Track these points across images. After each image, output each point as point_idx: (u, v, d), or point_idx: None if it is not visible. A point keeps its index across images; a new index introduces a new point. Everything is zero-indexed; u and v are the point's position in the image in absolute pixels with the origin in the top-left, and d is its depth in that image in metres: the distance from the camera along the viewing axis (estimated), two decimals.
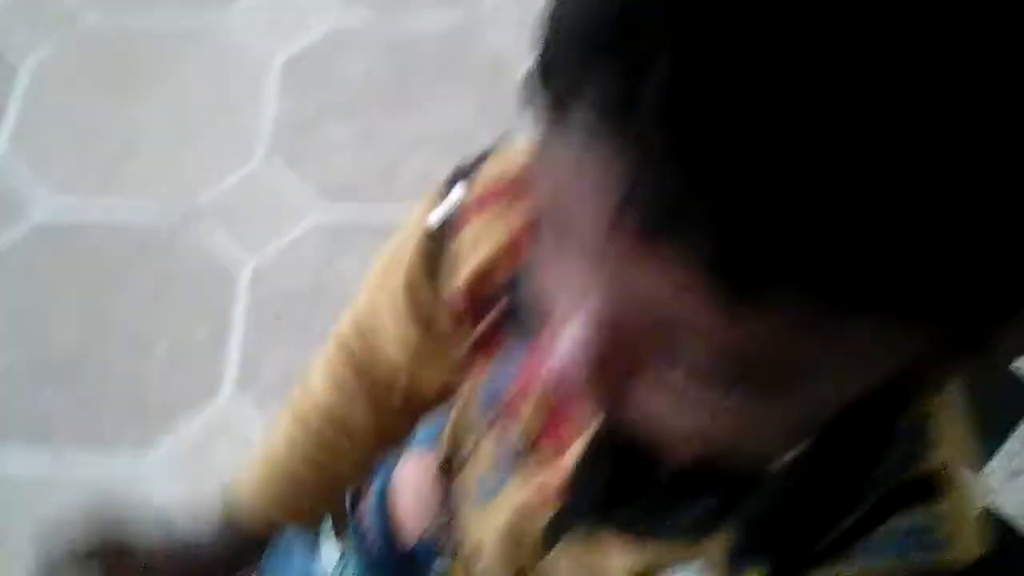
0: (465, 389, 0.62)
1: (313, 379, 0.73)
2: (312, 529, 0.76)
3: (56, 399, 1.52)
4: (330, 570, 0.91)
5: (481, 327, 0.57)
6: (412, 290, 0.61)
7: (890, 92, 0.25)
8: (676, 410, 0.37)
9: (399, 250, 0.62)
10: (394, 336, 0.67)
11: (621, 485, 0.52)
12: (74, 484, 1.43)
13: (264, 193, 1.74)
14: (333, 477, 0.75)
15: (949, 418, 0.48)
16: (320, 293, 1.58)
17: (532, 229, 0.52)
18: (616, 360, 0.36)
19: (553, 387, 0.54)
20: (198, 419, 1.49)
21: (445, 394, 0.74)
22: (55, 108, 1.87)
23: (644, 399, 0.37)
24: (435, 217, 0.57)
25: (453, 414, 0.73)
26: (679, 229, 0.28)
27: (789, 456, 0.46)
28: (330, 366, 0.72)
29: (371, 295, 0.68)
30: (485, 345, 0.58)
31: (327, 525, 0.93)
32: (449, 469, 0.73)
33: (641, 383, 0.37)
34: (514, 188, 0.54)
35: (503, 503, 0.63)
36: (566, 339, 0.35)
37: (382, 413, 0.73)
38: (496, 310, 0.56)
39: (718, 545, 0.50)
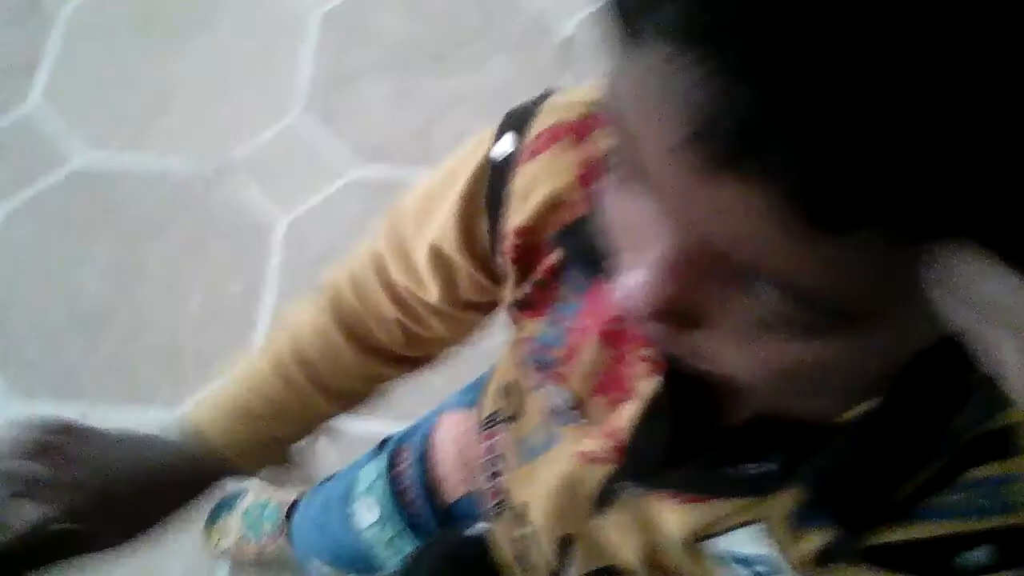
0: (510, 346, 0.60)
1: (297, 325, 0.71)
2: (256, 473, 0.72)
3: (87, 353, 1.52)
4: (366, 530, 0.90)
5: (534, 278, 0.55)
6: (467, 220, 0.58)
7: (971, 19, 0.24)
8: (744, 353, 0.35)
9: (446, 184, 0.59)
10: (416, 281, 0.64)
11: (682, 443, 0.51)
12: None
13: (299, 149, 1.73)
14: (296, 428, 0.72)
15: None
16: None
17: (593, 175, 0.51)
18: (685, 303, 0.34)
19: (622, 329, 0.52)
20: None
21: (430, 357, 0.73)
22: (90, 58, 1.86)
23: (713, 343, 0.36)
24: (500, 150, 0.55)
25: (496, 372, 0.71)
26: (758, 154, 0.26)
27: (861, 408, 0.44)
28: (317, 316, 0.71)
29: (393, 239, 0.65)
30: (535, 301, 0.56)
31: (361, 487, 0.93)
32: (492, 427, 0.71)
33: (710, 326, 0.36)
34: (571, 134, 0.52)
35: (552, 463, 0.62)
36: (634, 282, 0.34)
37: (361, 371, 0.70)
38: (548, 263, 0.54)
39: (780, 505, 0.49)
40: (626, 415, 0.53)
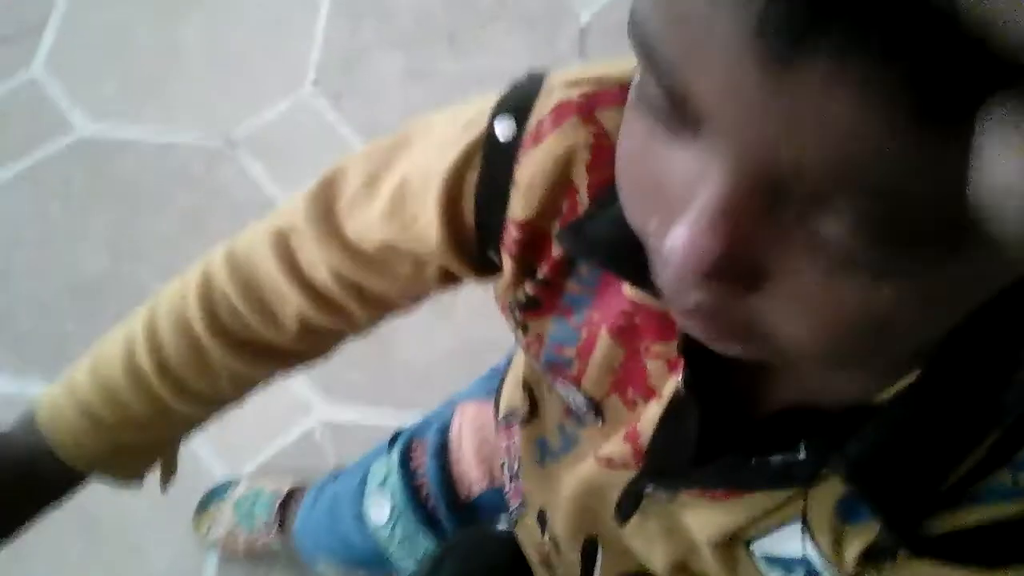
0: (527, 341, 0.56)
1: (157, 314, 0.64)
2: (121, 480, 0.66)
3: (81, 328, 1.49)
4: (380, 528, 0.88)
5: (539, 275, 0.52)
6: (452, 211, 0.53)
7: None
8: (806, 313, 0.32)
9: (422, 166, 0.54)
10: (356, 266, 0.58)
11: (708, 439, 0.48)
12: None
13: (306, 126, 1.69)
14: (152, 435, 0.66)
15: None
16: None
17: (602, 158, 0.47)
18: (742, 256, 0.31)
19: (635, 324, 0.48)
20: None
21: (322, 352, 0.67)
22: (96, 25, 1.81)
23: (772, 305, 0.33)
24: (503, 128, 0.51)
25: (514, 364, 0.67)
26: (863, 23, 0.23)
27: (900, 385, 0.41)
28: (180, 306, 0.63)
29: (325, 221, 0.59)
30: (540, 299, 0.53)
31: (373, 484, 0.90)
32: (510, 426, 0.68)
33: (770, 284, 0.32)
34: (576, 114, 0.49)
35: (571, 467, 0.59)
36: (684, 238, 0.30)
37: (230, 373, 0.63)
38: (553, 258, 0.51)
39: (821, 500, 0.45)
40: (648, 416, 0.50)
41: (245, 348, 0.62)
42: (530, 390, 0.62)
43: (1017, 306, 0.38)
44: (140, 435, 0.64)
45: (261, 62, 1.77)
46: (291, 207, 0.60)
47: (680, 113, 0.30)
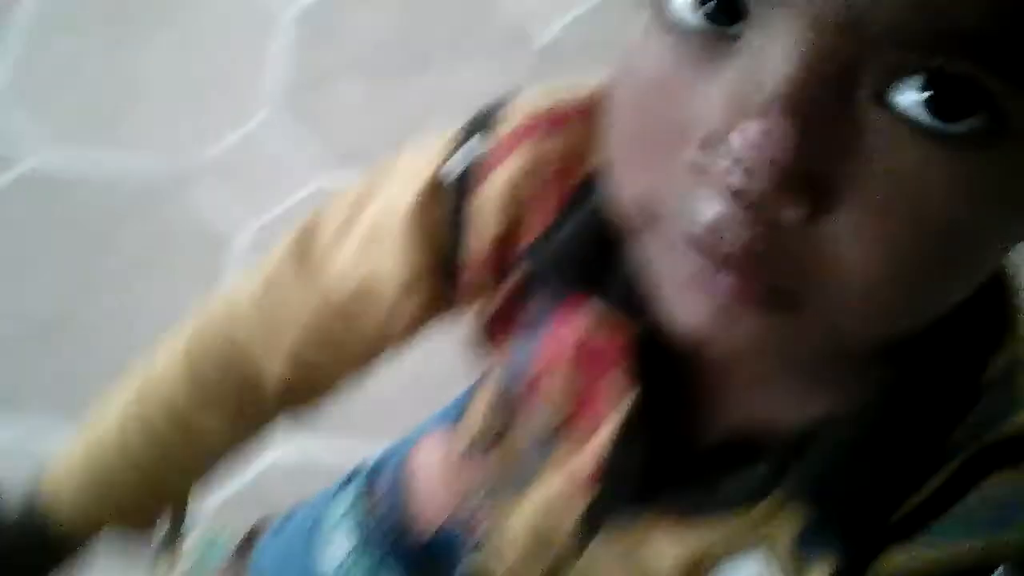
0: (489, 366, 0.56)
1: (164, 366, 0.63)
2: (134, 535, 0.66)
3: (31, 368, 1.44)
4: (337, 568, 0.84)
5: (504, 290, 0.51)
6: (419, 227, 0.52)
7: None
8: (871, 234, 0.30)
9: (382, 210, 0.54)
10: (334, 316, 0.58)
11: (662, 461, 0.47)
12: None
13: (267, 153, 1.67)
14: (164, 483, 0.65)
15: None
16: None
17: (573, 169, 0.46)
18: (820, 151, 0.29)
19: (593, 347, 0.47)
20: None
21: (329, 392, 0.66)
22: (53, 51, 1.79)
23: (838, 228, 0.30)
24: (453, 167, 0.50)
25: (476, 398, 0.65)
26: None
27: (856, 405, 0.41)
28: (190, 356, 0.62)
29: (303, 267, 0.58)
30: (503, 319, 0.52)
31: (331, 522, 0.87)
32: (472, 457, 0.66)
33: (838, 200, 0.30)
34: (544, 126, 0.48)
35: (531, 496, 0.57)
36: (755, 132, 0.28)
37: (244, 416, 0.63)
38: (517, 276, 0.50)
39: (783, 529, 0.44)
40: (601, 439, 0.49)
41: (243, 415, 0.62)
42: (493, 419, 0.60)
43: (978, 328, 0.39)
44: (142, 514, 0.65)
45: (222, 88, 1.75)
46: (273, 258, 0.60)
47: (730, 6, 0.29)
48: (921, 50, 0.27)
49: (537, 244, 0.48)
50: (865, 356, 0.37)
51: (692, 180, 0.31)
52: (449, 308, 0.55)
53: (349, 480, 0.88)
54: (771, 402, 0.44)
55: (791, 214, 0.30)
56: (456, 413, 0.74)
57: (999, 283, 0.41)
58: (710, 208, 0.30)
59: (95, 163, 1.65)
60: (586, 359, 0.49)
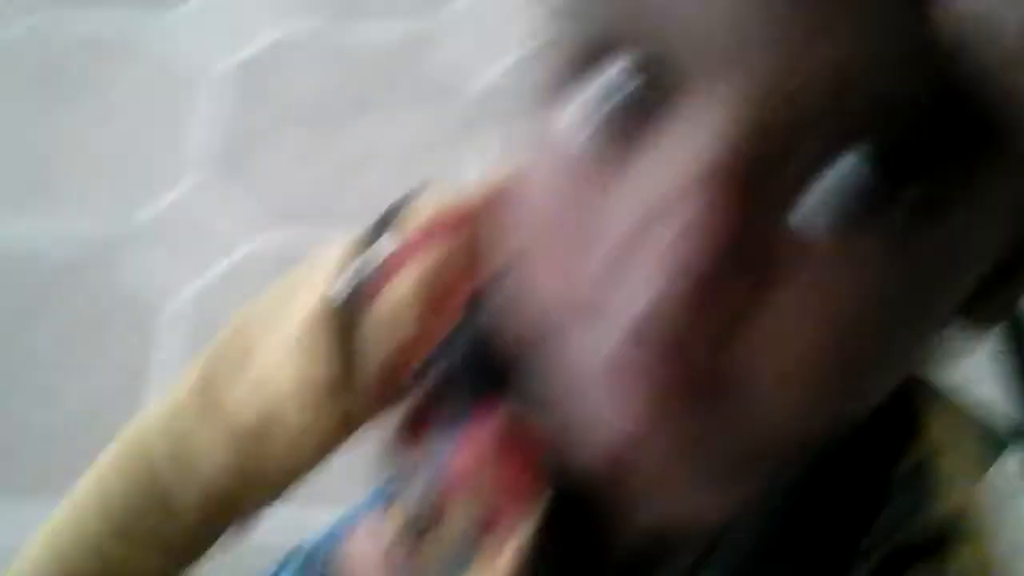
0: (406, 468, 0.54)
1: (80, 495, 0.61)
2: None
3: None
4: None
5: (417, 393, 0.50)
6: (323, 335, 0.51)
7: None
8: (803, 321, 0.28)
9: (281, 333, 0.52)
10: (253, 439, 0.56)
11: (579, 561, 0.46)
12: None
13: (203, 216, 1.64)
14: None
15: (955, 442, 0.42)
16: None
17: (478, 264, 0.46)
18: (751, 231, 0.27)
19: (509, 447, 0.46)
20: None
21: (253, 514, 0.64)
22: None
23: (764, 315, 0.28)
24: (349, 280, 0.49)
25: (400, 486, 0.63)
26: None
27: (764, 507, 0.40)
28: (103, 484, 0.60)
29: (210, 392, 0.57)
30: (418, 419, 0.51)
31: None
32: (399, 551, 0.62)
33: (764, 285, 0.28)
34: (449, 226, 0.48)
35: None
36: (691, 208, 0.27)
37: (163, 545, 0.60)
38: (429, 377, 0.49)
39: None
40: (518, 541, 0.48)
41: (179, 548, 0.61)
42: (416, 516, 0.59)
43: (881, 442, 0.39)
44: None
45: (150, 150, 1.72)
46: (179, 387, 0.59)
47: (654, 84, 0.27)
48: (861, 118, 0.26)
49: (444, 348, 0.47)
50: (780, 453, 0.36)
51: (621, 265, 0.29)
52: (363, 421, 0.54)
53: (286, 563, 0.85)
54: (682, 501, 0.42)
55: (736, 288, 0.28)
56: (389, 494, 0.73)
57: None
58: (643, 293, 0.28)
59: (15, 238, 1.61)
60: (503, 458, 0.48)
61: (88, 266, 1.57)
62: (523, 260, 0.34)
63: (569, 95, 0.30)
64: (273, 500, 0.62)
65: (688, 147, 0.27)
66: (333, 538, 0.82)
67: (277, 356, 0.53)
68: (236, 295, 1.48)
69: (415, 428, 0.51)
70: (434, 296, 0.47)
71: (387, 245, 0.49)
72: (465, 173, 1.63)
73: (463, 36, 1.88)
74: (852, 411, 0.33)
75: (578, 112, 0.29)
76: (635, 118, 0.28)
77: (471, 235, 0.47)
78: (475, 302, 0.46)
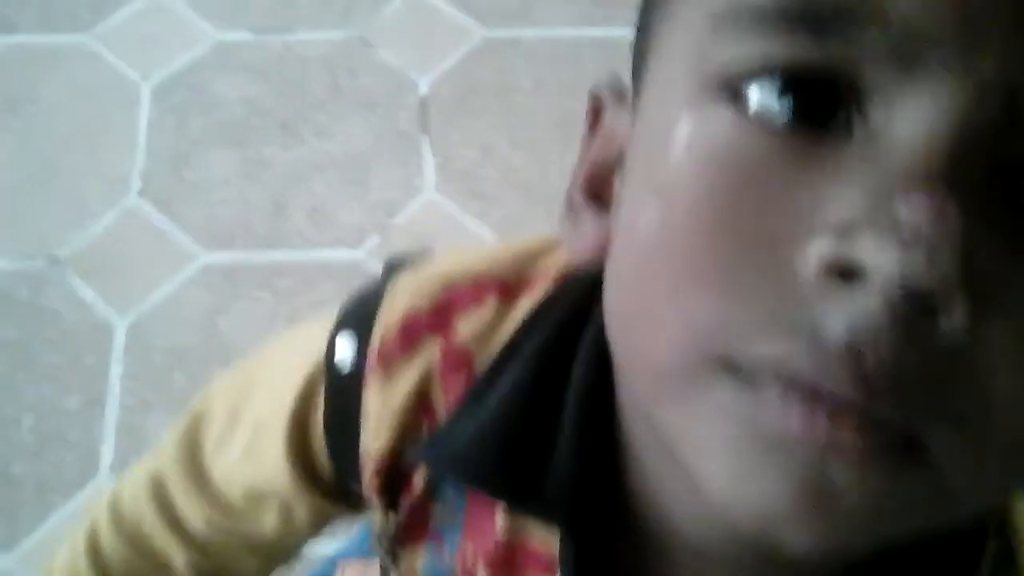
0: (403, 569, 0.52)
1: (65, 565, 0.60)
2: None
3: None
4: None
5: (407, 501, 0.48)
6: (302, 448, 0.50)
7: None
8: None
9: (265, 403, 0.51)
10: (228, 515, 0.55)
11: None
12: None
13: (138, 238, 1.61)
14: None
15: None
16: (210, 347, 1.44)
17: (460, 364, 0.44)
18: (987, 231, 0.24)
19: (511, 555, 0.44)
20: (70, 506, 1.34)
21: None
22: None
23: (996, 337, 0.25)
24: (340, 357, 0.48)
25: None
26: None
27: None
28: (94, 553, 0.58)
29: (188, 467, 0.55)
30: (410, 527, 0.49)
31: None
32: None
33: (995, 300, 0.25)
34: (426, 327, 0.46)
35: None
36: (924, 203, 0.24)
37: None
38: (418, 481, 0.47)
39: None
40: None
41: None
42: None
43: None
44: None
45: (81, 172, 1.69)
46: (164, 449, 0.57)
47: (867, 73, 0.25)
48: None
49: (437, 438, 0.45)
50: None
51: (806, 295, 0.26)
52: (353, 504, 0.53)
53: None
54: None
55: (957, 321, 0.24)
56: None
57: None
58: (839, 324, 0.25)
59: None
60: (513, 561, 0.45)
61: (11, 298, 1.54)
62: (649, 302, 0.31)
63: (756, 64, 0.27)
64: (272, 567, 0.61)
65: (907, 138, 0.25)
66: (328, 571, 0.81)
67: (265, 436, 0.51)
68: (186, 313, 1.47)
69: (412, 524, 0.49)
70: (430, 388, 0.46)
71: (375, 328, 0.47)
72: (405, 185, 1.62)
73: (397, 43, 1.87)
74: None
75: (768, 88, 0.27)
76: (834, 100, 0.26)
77: (466, 323, 0.45)
78: (476, 390, 0.44)
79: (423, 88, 1.80)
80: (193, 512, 0.55)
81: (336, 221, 1.56)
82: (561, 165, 0.36)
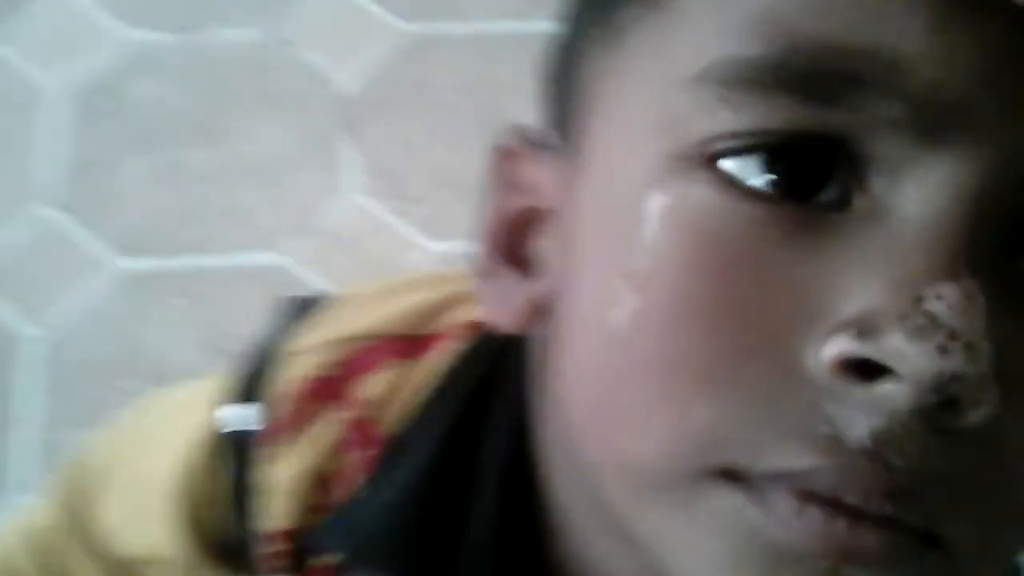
0: None
1: None
2: None
3: None
4: None
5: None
6: (194, 519, 0.47)
7: None
8: None
9: (149, 470, 0.48)
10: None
11: None
12: None
13: (46, 249, 1.56)
14: None
15: None
16: (127, 356, 1.40)
17: (365, 433, 0.41)
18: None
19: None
20: None
21: None
22: None
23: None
24: (233, 422, 0.45)
25: None
26: None
27: None
28: None
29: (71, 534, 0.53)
30: None
31: None
32: None
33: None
34: (324, 396, 0.44)
35: None
36: (954, 293, 0.23)
37: None
38: (325, 562, 0.44)
39: None
40: None
41: None
42: None
43: None
44: None
45: None
46: (39, 516, 0.55)
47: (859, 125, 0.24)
48: None
49: (342, 517, 0.42)
50: None
51: (818, 395, 0.24)
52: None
53: None
54: None
55: (987, 411, 0.23)
56: None
57: None
58: (860, 427, 0.24)
59: None
60: None
61: None
62: (634, 397, 0.27)
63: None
64: None
65: (924, 217, 0.24)
66: None
67: (150, 503, 0.48)
68: (104, 323, 1.42)
69: None
70: (332, 462, 0.43)
71: (271, 395, 0.44)
72: (327, 186, 1.59)
73: (318, 41, 1.84)
74: None
75: (754, 162, 0.25)
76: (826, 169, 0.25)
77: (373, 387, 0.43)
78: (384, 464, 0.42)
79: (345, 87, 1.77)
80: (84, 569, 0.52)
81: (255, 224, 1.54)
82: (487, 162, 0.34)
